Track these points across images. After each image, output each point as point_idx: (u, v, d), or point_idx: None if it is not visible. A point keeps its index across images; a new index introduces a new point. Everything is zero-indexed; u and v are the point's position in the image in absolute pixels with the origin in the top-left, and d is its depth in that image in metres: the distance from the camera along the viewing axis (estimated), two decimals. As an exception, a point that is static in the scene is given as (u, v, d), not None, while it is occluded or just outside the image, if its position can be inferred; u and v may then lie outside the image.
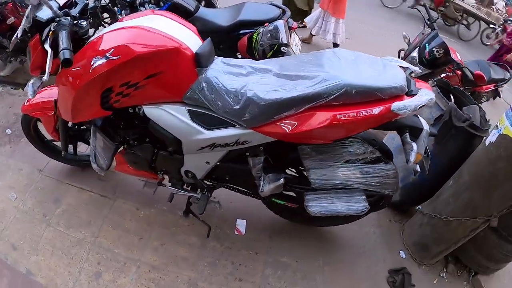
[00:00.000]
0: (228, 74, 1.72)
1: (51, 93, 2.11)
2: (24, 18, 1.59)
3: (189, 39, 1.70)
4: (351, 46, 3.64)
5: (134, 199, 2.61)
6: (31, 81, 1.59)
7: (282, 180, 1.99)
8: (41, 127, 2.37)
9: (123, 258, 2.24)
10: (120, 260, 2.23)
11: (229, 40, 3.08)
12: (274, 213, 2.50)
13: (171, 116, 1.75)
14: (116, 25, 1.72)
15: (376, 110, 1.55)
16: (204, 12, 3.12)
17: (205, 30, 2.32)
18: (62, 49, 1.40)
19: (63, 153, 2.33)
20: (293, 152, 1.92)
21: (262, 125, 1.69)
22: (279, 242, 2.56)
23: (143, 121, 1.82)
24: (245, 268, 2.35)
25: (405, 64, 1.79)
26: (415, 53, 3.38)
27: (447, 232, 2.46)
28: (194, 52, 1.65)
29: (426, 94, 1.59)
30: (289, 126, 1.65)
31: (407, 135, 1.67)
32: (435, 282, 2.67)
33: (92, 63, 1.56)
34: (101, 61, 1.54)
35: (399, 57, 3.71)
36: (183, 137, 1.83)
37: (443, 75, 3.70)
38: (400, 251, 2.76)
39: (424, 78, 3.39)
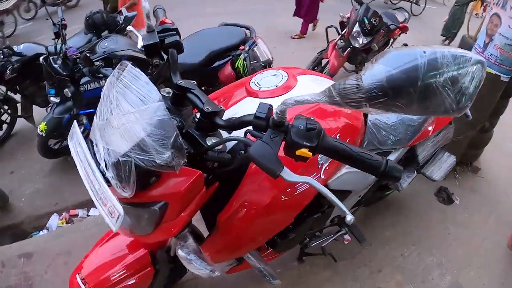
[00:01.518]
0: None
1: None
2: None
3: None
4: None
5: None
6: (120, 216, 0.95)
7: (415, 173, 2.36)
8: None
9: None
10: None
11: (202, 75, 2.90)
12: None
13: (353, 174, 1.60)
14: None
15: None
16: None
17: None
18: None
19: None
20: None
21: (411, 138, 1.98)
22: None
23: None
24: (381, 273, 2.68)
25: None
26: (357, 28, 3.94)
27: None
28: None
29: None
30: None
31: None
32: (457, 184, 3.55)
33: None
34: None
35: (327, 33, 4.26)
36: (357, 186, 1.84)
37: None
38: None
39: (368, 44, 4.03)
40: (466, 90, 0.68)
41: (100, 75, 2.56)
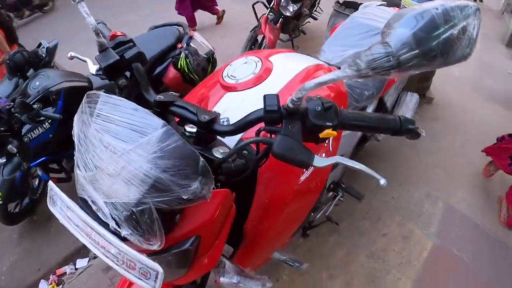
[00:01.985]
0: None
1: None
2: None
3: None
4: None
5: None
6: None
7: None
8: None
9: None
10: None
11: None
12: None
13: (345, 139, 1.63)
14: None
15: None
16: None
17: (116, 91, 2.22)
18: None
19: None
20: None
21: None
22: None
23: None
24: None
25: None
26: None
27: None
28: None
29: None
30: None
31: None
32: (417, 117, 3.72)
33: None
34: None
35: (254, 10, 4.20)
36: (347, 149, 1.93)
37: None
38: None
39: (298, 10, 4.05)
40: (472, 37, 0.70)
41: (42, 118, 2.38)
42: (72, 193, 0.87)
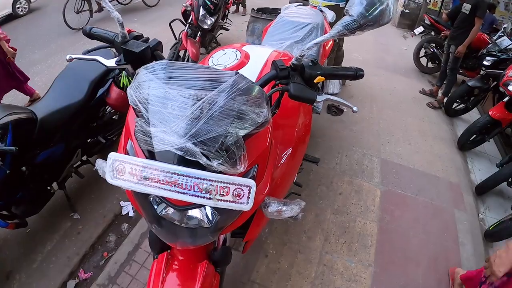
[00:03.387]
0: None
1: None
2: None
3: None
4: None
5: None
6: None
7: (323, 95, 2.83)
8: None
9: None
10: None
11: (90, 111, 2.56)
12: None
13: None
14: None
15: None
16: (41, 106, 2.27)
17: (64, 118, 2.24)
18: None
19: None
20: None
21: None
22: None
23: None
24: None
25: None
26: (202, 11, 4.14)
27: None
28: None
29: None
30: None
31: None
32: (336, 98, 4.24)
33: None
34: None
35: (171, 28, 4.28)
36: None
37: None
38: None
39: (215, 23, 4.39)
40: (391, 9, 1.18)
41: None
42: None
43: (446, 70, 4.55)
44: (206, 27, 4.24)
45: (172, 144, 0.86)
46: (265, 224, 1.64)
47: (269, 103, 1.03)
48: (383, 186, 3.07)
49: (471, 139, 3.74)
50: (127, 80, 2.47)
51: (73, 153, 2.46)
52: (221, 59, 1.60)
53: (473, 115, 4.47)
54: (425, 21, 5.47)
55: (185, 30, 4.20)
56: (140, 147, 0.98)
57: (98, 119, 2.66)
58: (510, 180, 3.08)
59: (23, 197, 2.11)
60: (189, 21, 4.28)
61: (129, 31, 1.46)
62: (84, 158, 2.66)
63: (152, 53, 1.39)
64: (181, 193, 0.90)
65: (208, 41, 4.83)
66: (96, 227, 2.52)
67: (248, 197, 0.94)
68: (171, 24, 4.27)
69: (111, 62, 1.44)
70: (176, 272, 1.29)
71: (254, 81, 1.11)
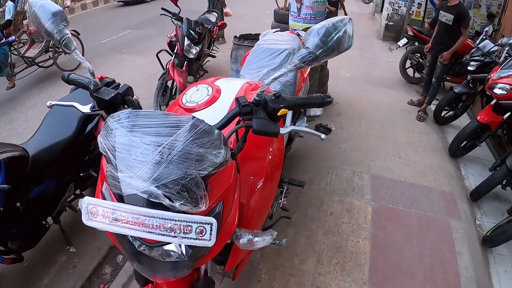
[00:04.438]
0: None
1: None
2: None
3: None
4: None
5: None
6: None
7: (305, 117, 2.98)
8: None
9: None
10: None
11: (80, 146, 2.55)
12: None
13: None
14: None
15: None
16: (32, 143, 2.32)
17: (55, 154, 2.28)
18: None
19: None
20: None
21: None
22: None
23: None
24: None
25: None
26: (187, 41, 4.26)
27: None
28: None
29: None
30: None
31: None
32: (324, 117, 4.27)
33: None
34: None
35: (159, 59, 4.51)
36: None
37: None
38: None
39: (200, 51, 4.49)
40: (350, 35, 1.25)
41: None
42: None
43: (430, 80, 4.58)
44: (192, 56, 4.34)
45: (137, 188, 0.93)
46: (245, 254, 1.66)
47: (227, 143, 1.07)
48: (374, 203, 3.06)
49: (462, 145, 3.73)
50: None
51: (66, 188, 2.49)
52: (194, 95, 1.66)
53: (464, 121, 4.46)
54: (408, 33, 5.55)
55: (172, 61, 4.31)
56: (112, 191, 1.06)
57: (89, 153, 2.69)
58: (504, 182, 3.05)
59: (19, 232, 2.15)
60: (175, 51, 4.39)
61: (101, 78, 1.53)
62: (78, 192, 2.69)
63: (123, 98, 1.47)
64: (149, 232, 0.96)
65: (195, 69, 4.92)
66: (91, 260, 2.54)
67: (211, 234, 1.00)
68: (158, 55, 4.42)
69: (86, 109, 1.51)
70: None
71: (225, 115, 1.29)
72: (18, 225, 2.13)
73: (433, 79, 4.52)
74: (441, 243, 2.70)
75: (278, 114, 1.29)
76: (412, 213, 2.96)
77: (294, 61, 1.20)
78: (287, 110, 1.31)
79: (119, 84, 1.52)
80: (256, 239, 1.33)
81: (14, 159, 2.08)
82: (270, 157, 1.64)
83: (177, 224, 0.97)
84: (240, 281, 2.36)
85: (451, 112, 4.48)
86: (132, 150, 0.95)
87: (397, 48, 6.34)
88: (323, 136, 1.38)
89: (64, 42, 1.34)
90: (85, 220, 1.01)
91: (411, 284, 2.37)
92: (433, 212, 2.98)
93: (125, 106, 1.48)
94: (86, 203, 1.01)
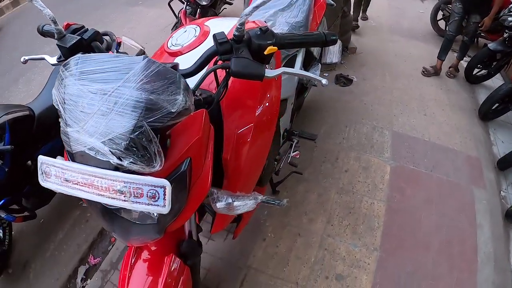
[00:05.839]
0: None
1: None
2: None
3: None
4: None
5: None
6: None
7: (319, 65, 2.61)
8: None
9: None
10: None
11: None
12: None
13: (285, 81, 1.81)
14: None
15: None
16: (38, 102, 2.36)
17: None
18: None
19: None
20: None
21: None
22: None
23: None
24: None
25: None
26: None
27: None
28: None
29: None
30: None
31: None
32: (346, 67, 3.93)
33: None
34: None
35: (171, 8, 4.15)
36: (288, 92, 1.99)
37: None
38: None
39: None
40: None
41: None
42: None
43: (453, 38, 3.97)
44: (204, 3, 4.00)
45: (84, 144, 0.81)
46: (232, 216, 1.52)
47: (188, 88, 0.90)
48: (393, 162, 2.83)
49: (493, 108, 3.41)
50: None
51: None
52: (180, 38, 1.44)
53: (497, 82, 4.08)
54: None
55: (184, 9, 4.02)
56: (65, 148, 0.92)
57: None
58: (537, 151, 2.80)
59: (31, 190, 2.21)
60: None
61: (68, 25, 1.33)
62: None
63: (89, 44, 1.26)
64: (99, 195, 0.83)
65: (210, 15, 4.54)
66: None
67: (165, 199, 0.84)
68: (170, 3, 4.09)
69: (54, 60, 1.33)
70: (142, 264, 1.25)
71: (201, 55, 1.07)
72: (30, 183, 2.18)
73: (464, 37, 3.96)
74: (462, 212, 2.50)
75: (265, 52, 1.02)
76: (433, 177, 2.74)
77: None
78: (276, 48, 1.03)
79: (87, 29, 1.30)
80: (236, 203, 1.21)
81: (20, 119, 2.12)
82: (261, 106, 1.38)
83: (127, 186, 0.82)
84: (244, 238, 2.25)
85: (483, 71, 4.05)
86: (79, 101, 0.81)
87: (428, -2, 5.76)
88: (324, 81, 1.08)
89: None
90: (41, 180, 0.90)
91: (424, 255, 2.22)
92: (457, 178, 2.75)
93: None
94: (40, 163, 0.90)
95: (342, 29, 3.97)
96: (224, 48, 1.03)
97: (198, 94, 1.10)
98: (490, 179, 2.82)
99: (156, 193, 0.83)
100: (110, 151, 0.78)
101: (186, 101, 0.86)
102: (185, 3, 4.08)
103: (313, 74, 1.12)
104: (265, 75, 1.00)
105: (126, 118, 0.78)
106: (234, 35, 1.02)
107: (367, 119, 3.26)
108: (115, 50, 2.86)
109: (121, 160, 0.79)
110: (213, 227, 1.44)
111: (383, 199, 2.51)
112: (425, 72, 4.09)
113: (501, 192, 2.76)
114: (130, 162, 0.80)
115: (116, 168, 0.82)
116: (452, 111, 3.53)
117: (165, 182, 0.83)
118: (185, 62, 1.05)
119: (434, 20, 5.20)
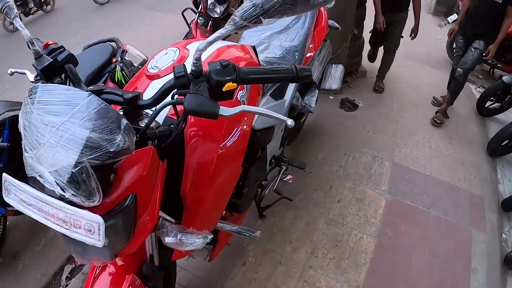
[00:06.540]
0: None
1: None
2: None
3: None
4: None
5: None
6: None
7: (317, 91, 2.54)
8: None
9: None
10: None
11: None
12: None
13: (271, 108, 1.77)
14: None
15: None
16: None
17: None
18: None
19: None
20: None
21: None
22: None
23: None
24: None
25: None
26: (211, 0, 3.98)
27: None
28: None
29: None
30: None
31: None
32: (353, 91, 3.87)
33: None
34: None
35: (184, 17, 4.16)
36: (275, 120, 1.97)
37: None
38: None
39: (225, 11, 4.14)
40: None
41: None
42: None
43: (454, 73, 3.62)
44: (216, 15, 4.05)
45: (36, 171, 0.85)
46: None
47: (129, 128, 0.90)
48: (390, 196, 2.73)
49: (503, 144, 3.26)
50: (121, 74, 2.67)
51: None
52: (160, 60, 1.43)
53: (510, 116, 3.92)
54: (459, 8, 4.87)
55: (195, 20, 4.05)
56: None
57: None
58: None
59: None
60: (199, 10, 4.11)
61: (46, 45, 1.38)
62: None
63: (62, 66, 1.26)
64: (47, 219, 0.88)
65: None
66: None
67: (99, 234, 0.86)
68: (184, 13, 4.12)
69: (31, 77, 1.36)
70: (106, 277, 1.28)
71: (159, 88, 1.06)
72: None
73: (458, 68, 3.50)
74: (457, 255, 2.37)
75: (224, 89, 0.98)
76: (430, 215, 2.62)
77: (234, 18, 0.86)
78: (235, 84, 0.99)
79: (64, 50, 1.30)
80: (184, 240, 1.22)
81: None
82: (229, 138, 1.34)
83: (67, 217, 0.86)
84: (225, 259, 2.20)
85: (497, 104, 3.91)
86: (34, 130, 0.86)
87: (445, 24, 5.64)
88: (289, 121, 1.02)
89: (5, 10, 1.17)
90: (4, 196, 0.95)
91: (411, 298, 2.10)
92: (455, 218, 2.63)
93: (65, 75, 1.27)
94: (4, 180, 0.95)
95: (352, 53, 3.91)
96: (181, 82, 1.00)
97: (155, 127, 1.08)
98: (491, 220, 2.68)
99: (92, 227, 0.86)
100: (55, 181, 0.82)
101: (125, 141, 0.87)
102: (198, 14, 4.11)
103: (277, 113, 1.05)
104: (221, 113, 0.97)
105: (70, 153, 0.81)
106: (191, 70, 0.99)
107: (368, 147, 3.18)
108: (120, 57, 2.92)
109: (64, 191, 0.82)
110: (173, 254, 1.43)
111: (373, 235, 2.42)
112: (435, 102, 3.97)
113: (503, 234, 2.62)
114: (72, 194, 0.83)
115: (61, 198, 0.85)
116: (459, 144, 3.41)
117: (98, 219, 0.85)
118: (160, 86, 1.04)
119: (450, 48, 5.10)
